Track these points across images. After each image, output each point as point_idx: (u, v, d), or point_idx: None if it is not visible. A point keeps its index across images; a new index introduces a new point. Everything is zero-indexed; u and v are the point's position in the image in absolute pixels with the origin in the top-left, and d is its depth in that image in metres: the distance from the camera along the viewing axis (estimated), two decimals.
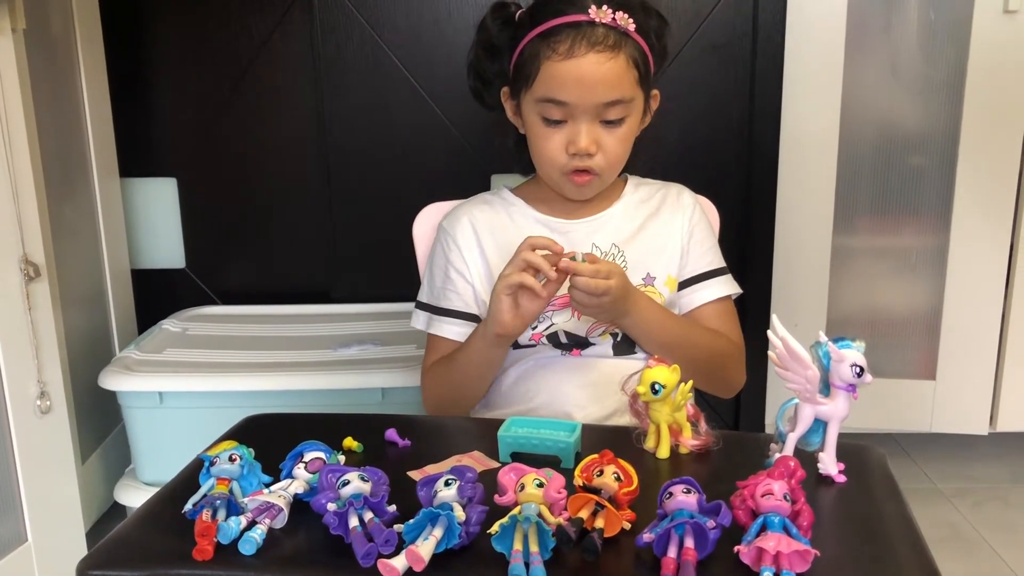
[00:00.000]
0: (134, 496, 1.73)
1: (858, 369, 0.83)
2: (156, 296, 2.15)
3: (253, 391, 1.65)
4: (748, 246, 2.07)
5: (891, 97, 2.09)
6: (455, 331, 1.21)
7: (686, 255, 1.22)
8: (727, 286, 1.24)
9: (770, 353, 0.86)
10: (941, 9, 2.01)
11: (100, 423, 1.87)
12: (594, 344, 1.19)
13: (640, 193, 1.26)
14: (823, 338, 0.86)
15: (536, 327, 1.17)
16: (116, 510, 1.86)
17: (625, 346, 1.19)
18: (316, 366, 1.72)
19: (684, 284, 1.22)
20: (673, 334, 1.16)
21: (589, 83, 1.09)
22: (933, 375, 2.18)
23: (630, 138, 1.16)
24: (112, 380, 1.67)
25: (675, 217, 1.23)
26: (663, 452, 0.92)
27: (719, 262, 1.25)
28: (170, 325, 1.95)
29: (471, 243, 1.23)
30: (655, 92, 1.19)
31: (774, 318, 0.86)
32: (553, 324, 1.18)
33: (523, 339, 1.17)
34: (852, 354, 0.84)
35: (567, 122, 1.12)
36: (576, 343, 1.19)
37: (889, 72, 2.08)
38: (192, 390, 1.66)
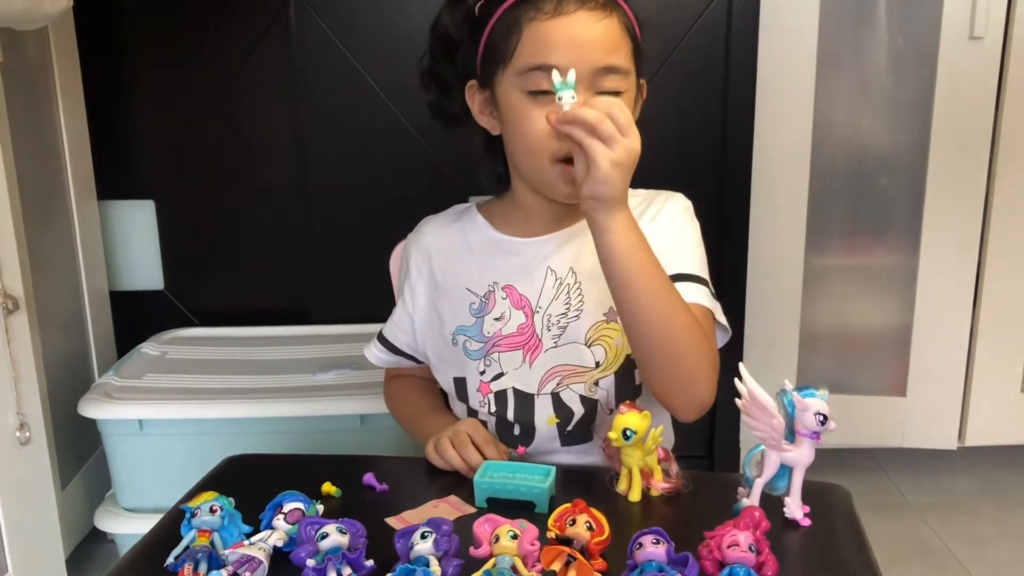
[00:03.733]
0: (114, 522, 1.74)
1: (822, 417, 0.86)
2: (135, 317, 2.16)
3: (232, 418, 1.67)
4: (722, 266, 2.10)
5: (861, 120, 2.14)
6: (382, 359, 1.21)
7: (663, 255, 0.98)
8: (706, 298, 1.04)
9: (737, 401, 0.89)
10: (909, 35, 2.06)
11: (80, 448, 1.87)
12: (538, 428, 1.08)
13: None
14: (788, 387, 0.88)
15: (484, 372, 1.08)
16: (96, 535, 1.87)
17: (576, 433, 1.08)
18: (294, 392, 1.73)
19: None
20: (650, 272, 0.94)
21: (583, 42, 0.95)
22: (904, 392, 2.23)
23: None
24: (92, 408, 1.67)
25: (656, 236, 0.99)
26: (635, 495, 0.94)
27: (702, 273, 1.06)
28: (149, 349, 1.96)
29: (422, 265, 1.15)
30: (643, 82, 1.06)
31: (741, 367, 0.88)
32: (503, 374, 1.08)
33: (473, 403, 1.11)
34: (816, 403, 0.86)
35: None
36: (522, 424, 1.08)
37: (859, 95, 2.12)
38: (171, 417, 1.67)
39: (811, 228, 2.15)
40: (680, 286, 1.00)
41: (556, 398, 1.07)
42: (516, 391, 1.08)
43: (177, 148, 2.12)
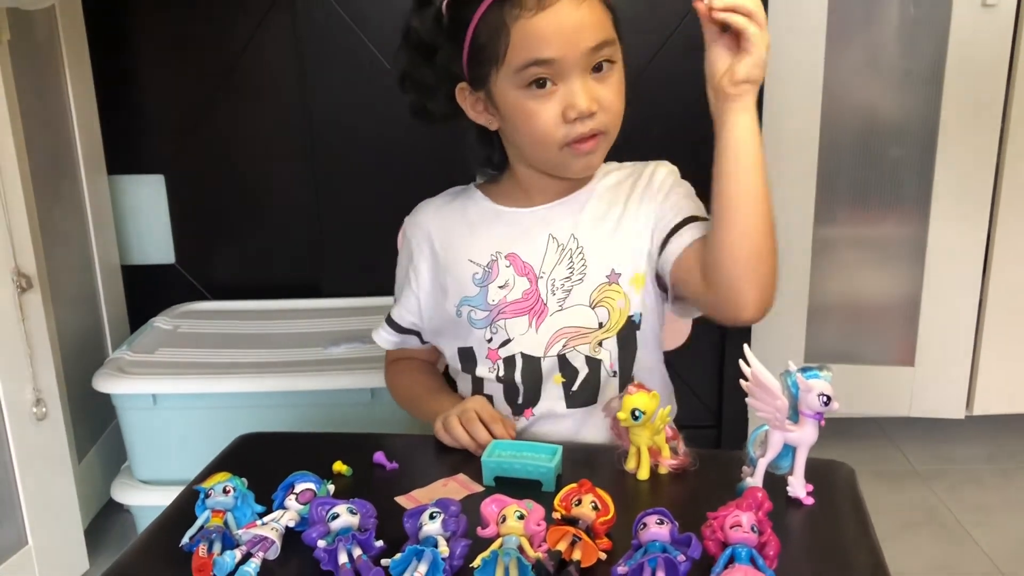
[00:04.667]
0: (130, 494, 1.77)
1: (825, 398, 0.87)
2: (147, 292, 2.18)
3: (244, 392, 1.69)
4: None
5: (871, 89, 2.12)
6: (390, 340, 1.22)
7: (660, 217, 1.07)
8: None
9: (741, 382, 0.90)
10: (921, 2, 2.03)
11: (95, 422, 1.90)
12: (545, 390, 1.10)
13: (614, 176, 1.13)
14: (792, 368, 0.89)
15: (491, 340, 1.11)
16: (112, 506, 1.90)
17: (581, 395, 1.10)
18: (306, 366, 1.75)
19: (667, 237, 1.06)
20: (764, 164, 0.99)
21: (572, 30, 0.98)
22: (912, 361, 2.23)
23: (623, 89, 1.05)
24: (106, 383, 1.69)
25: (648, 201, 1.09)
26: (643, 474, 0.96)
27: (701, 211, 1.08)
28: (161, 323, 1.98)
29: (423, 244, 1.17)
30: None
31: (746, 348, 0.89)
32: (510, 340, 1.10)
33: (481, 371, 1.13)
34: (820, 384, 0.87)
35: (557, 86, 1.00)
36: (529, 386, 1.11)
37: (870, 65, 2.11)
38: (185, 392, 1.69)
39: (820, 199, 2.14)
40: (698, 225, 1.05)
41: (562, 359, 1.10)
42: (524, 355, 1.10)
43: (186, 122, 2.13)
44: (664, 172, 1.13)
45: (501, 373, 1.11)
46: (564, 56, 0.98)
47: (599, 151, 1.06)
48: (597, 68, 1.01)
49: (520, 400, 1.12)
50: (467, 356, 1.14)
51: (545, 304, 1.09)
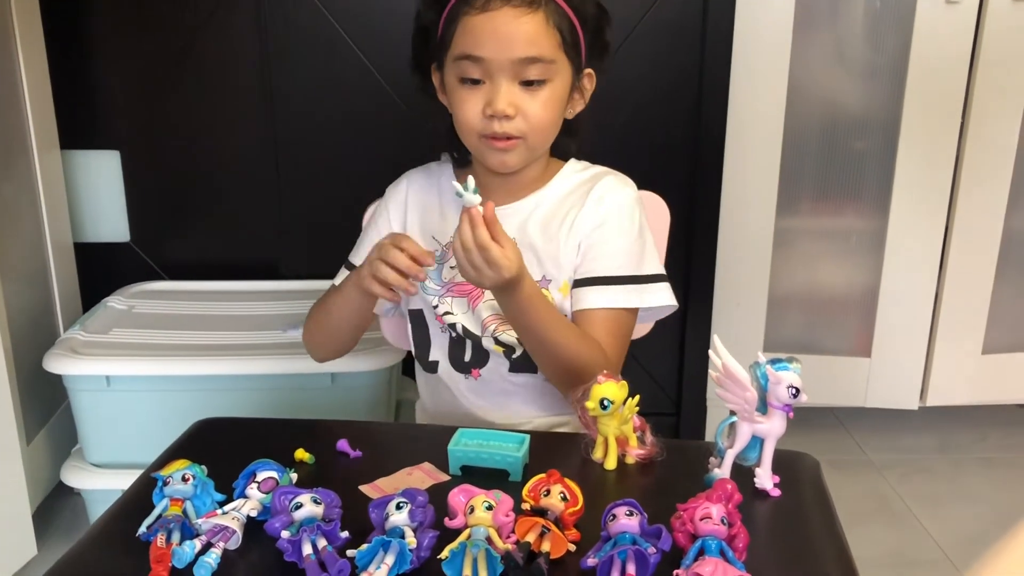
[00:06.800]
0: (81, 477, 1.73)
1: (794, 390, 0.87)
2: (100, 270, 2.12)
3: (200, 375, 1.66)
4: (693, 226, 2.10)
5: (836, 82, 2.13)
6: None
7: (583, 255, 1.16)
8: (618, 297, 1.15)
9: (711, 373, 0.89)
10: None
11: (45, 403, 1.85)
12: (490, 357, 1.19)
13: (570, 182, 1.20)
14: (762, 359, 0.89)
15: (437, 307, 1.18)
16: (62, 489, 1.86)
17: (522, 363, 1.18)
18: (264, 348, 1.72)
19: (576, 284, 1.16)
20: (542, 326, 1.09)
21: (503, 36, 1.06)
22: (868, 352, 2.26)
23: (554, 106, 1.11)
24: (57, 363, 1.65)
25: (592, 214, 1.16)
26: (611, 463, 0.95)
27: (621, 270, 1.16)
28: (115, 302, 1.93)
29: (399, 212, 1.25)
30: (589, 71, 1.16)
31: (715, 338, 0.89)
32: (452, 314, 1.18)
33: (433, 330, 1.21)
34: (789, 376, 0.87)
35: (485, 83, 1.09)
36: (475, 353, 1.19)
37: (835, 58, 2.12)
38: (139, 374, 1.66)
39: (783, 190, 2.15)
40: (606, 289, 1.15)
41: (497, 339, 1.17)
42: (465, 330, 1.18)
43: (144, 97, 2.07)
44: (616, 196, 1.18)
45: (453, 334, 1.19)
46: (492, 58, 1.07)
47: (514, 153, 1.12)
48: (528, 82, 1.09)
49: (467, 360, 1.20)
50: (418, 316, 1.23)
51: (481, 291, 1.16)
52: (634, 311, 1.18)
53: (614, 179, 1.20)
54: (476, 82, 1.09)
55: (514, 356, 1.18)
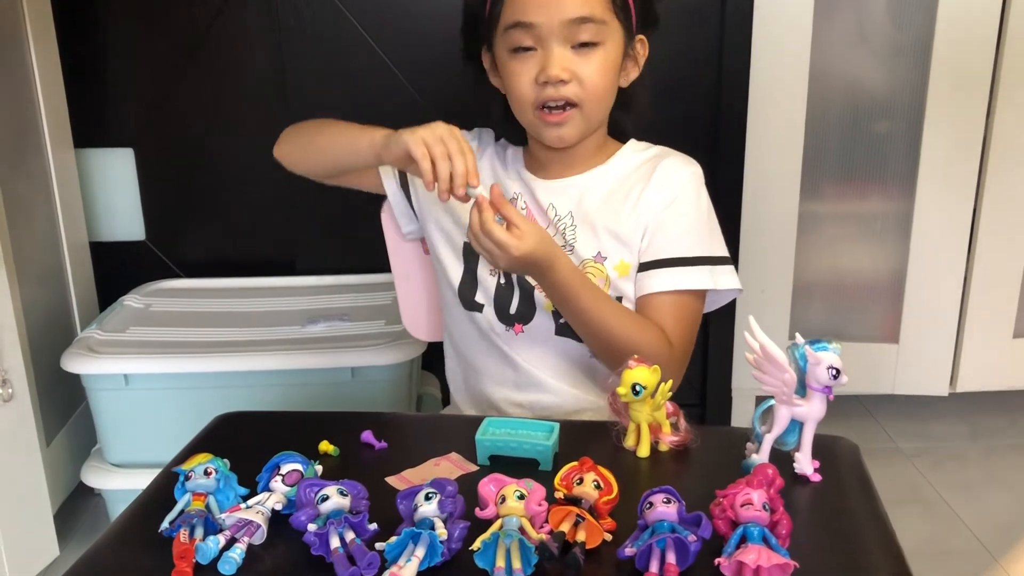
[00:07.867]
0: (101, 478, 1.71)
1: (834, 371, 0.84)
2: (116, 269, 2.11)
3: (220, 372, 1.64)
4: (716, 211, 2.06)
5: (859, 63, 2.08)
6: (389, 176, 1.24)
7: (651, 236, 1.11)
8: (689, 278, 1.10)
9: (747, 355, 0.86)
10: None
11: (64, 403, 1.84)
12: (537, 313, 1.13)
13: (633, 160, 1.15)
14: (800, 340, 0.86)
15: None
16: (83, 489, 1.85)
17: (569, 328, 1.12)
18: (283, 344, 1.70)
19: (642, 267, 1.12)
20: (584, 310, 1.06)
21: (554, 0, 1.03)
22: (896, 338, 2.21)
23: (609, 70, 1.08)
24: (75, 363, 1.63)
25: (659, 194, 1.11)
26: (643, 451, 0.92)
27: (691, 251, 1.11)
28: (132, 301, 1.91)
29: (486, 148, 1.22)
30: (641, 38, 1.13)
31: (752, 320, 0.86)
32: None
33: (482, 272, 1.16)
34: (829, 356, 0.84)
35: (537, 51, 1.05)
36: (521, 305, 1.13)
37: (857, 37, 2.07)
38: (158, 372, 1.64)
39: (806, 173, 2.11)
40: (670, 271, 1.10)
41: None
42: (520, 279, 1.14)
43: (157, 93, 2.05)
44: (682, 180, 1.13)
45: (502, 280, 1.14)
46: (543, 22, 1.03)
47: (570, 125, 1.08)
48: (582, 45, 1.05)
49: (512, 311, 1.14)
50: (469, 253, 1.16)
51: None
52: (702, 296, 1.13)
53: (678, 158, 1.16)
54: (528, 50, 1.06)
55: (562, 320, 1.11)
